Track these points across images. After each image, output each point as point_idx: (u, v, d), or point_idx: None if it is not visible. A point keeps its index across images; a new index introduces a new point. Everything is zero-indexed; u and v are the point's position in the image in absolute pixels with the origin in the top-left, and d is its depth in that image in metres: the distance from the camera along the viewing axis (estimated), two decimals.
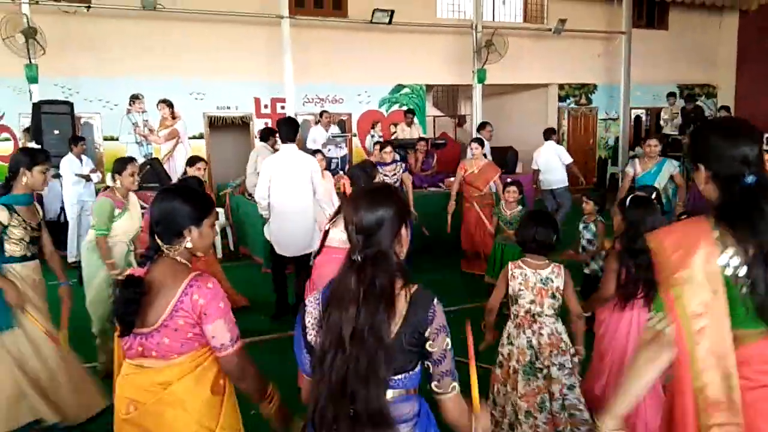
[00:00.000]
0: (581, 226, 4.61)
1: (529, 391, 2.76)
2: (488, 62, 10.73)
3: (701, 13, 12.91)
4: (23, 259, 3.14)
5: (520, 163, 10.85)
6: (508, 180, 5.60)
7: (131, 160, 4.18)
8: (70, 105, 8.22)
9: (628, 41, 11.93)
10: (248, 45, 9.76)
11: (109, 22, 8.95)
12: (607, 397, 2.54)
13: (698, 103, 12.02)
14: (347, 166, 9.51)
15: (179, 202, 1.84)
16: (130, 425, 1.81)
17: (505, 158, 9.98)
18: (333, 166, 8.65)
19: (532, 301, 2.81)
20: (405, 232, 1.58)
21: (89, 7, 8.69)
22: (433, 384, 1.53)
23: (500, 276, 2.96)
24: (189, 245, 1.85)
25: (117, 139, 9.00)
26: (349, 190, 3.24)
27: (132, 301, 1.74)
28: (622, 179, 6.21)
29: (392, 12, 9.89)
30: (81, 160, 7.31)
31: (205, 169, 5.54)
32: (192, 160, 5.57)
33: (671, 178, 5.67)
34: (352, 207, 1.56)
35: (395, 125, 10.63)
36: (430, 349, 1.51)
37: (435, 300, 1.55)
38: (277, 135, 5.25)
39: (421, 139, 9.02)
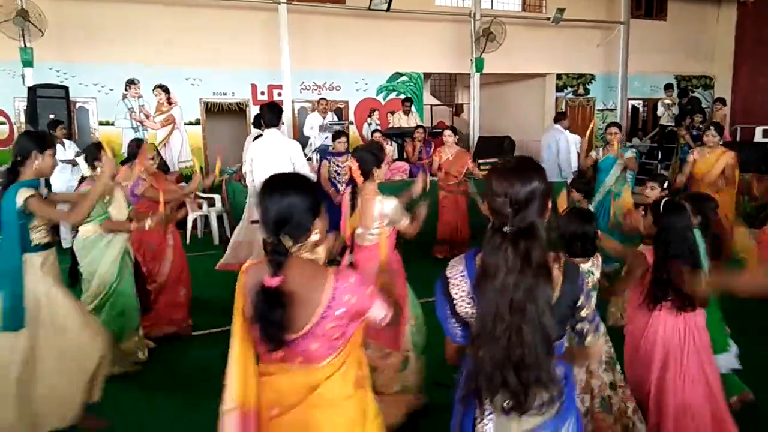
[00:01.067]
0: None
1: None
2: (486, 51, 10.69)
3: (700, 5, 12.88)
4: (48, 246, 3.06)
5: (516, 152, 10.88)
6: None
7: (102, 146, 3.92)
8: (66, 89, 8.18)
9: (626, 31, 11.89)
10: (245, 31, 9.70)
11: (106, 7, 8.86)
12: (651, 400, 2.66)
13: (694, 94, 12.03)
14: (344, 155, 9.50)
15: (299, 196, 1.69)
16: (277, 428, 1.73)
17: (502, 146, 10.00)
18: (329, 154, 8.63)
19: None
20: (549, 206, 1.63)
21: None
22: (587, 339, 1.70)
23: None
24: (316, 238, 1.74)
25: (112, 124, 8.96)
26: (357, 173, 3.12)
27: (278, 314, 1.61)
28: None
29: None
30: (63, 145, 7.22)
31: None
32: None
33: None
34: (505, 179, 1.56)
35: (392, 113, 10.61)
36: (583, 314, 1.67)
37: (579, 268, 1.69)
38: (261, 120, 5.26)
39: (418, 126, 9.01)
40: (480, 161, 8.12)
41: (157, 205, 3.98)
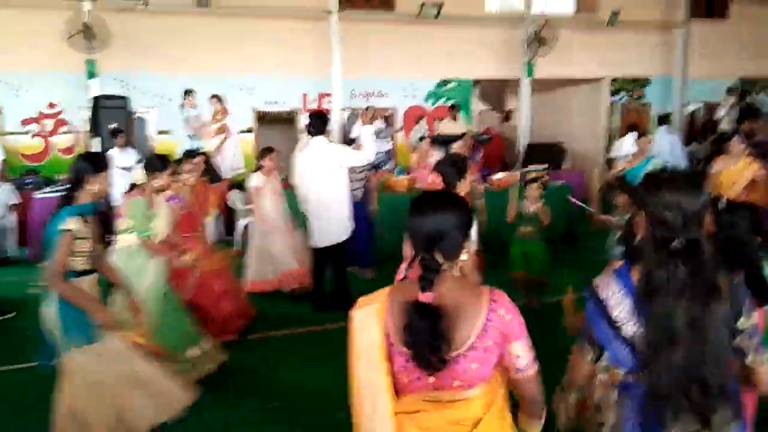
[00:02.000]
0: (616, 218, 4.53)
1: None
2: (538, 55, 10.52)
3: (763, 4, 12.25)
4: (83, 273, 2.94)
5: (568, 159, 10.65)
6: (532, 176, 5.50)
7: (171, 160, 4.07)
8: (125, 99, 8.55)
9: (685, 33, 11.46)
10: (296, 40, 9.90)
11: (165, 19, 9.23)
12: None
13: (748, 99, 11.46)
14: (391, 161, 9.55)
15: (453, 213, 1.64)
16: None
17: (551, 154, 9.81)
18: (377, 161, 8.69)
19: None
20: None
21: (147, 3, 9.00)
22: (749, 358, 1.61)
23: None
24: (465, 258, 1.67)
25: (170, 133, 9.30)
26: (439, 187, 3.01)
27: (438, 329, 1.51)
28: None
29: (440, 5, 9.83)
30: (126, 152, 7.56)
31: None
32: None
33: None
34: (678, 191, 1.56)
35: (440, 120, 10.58)
36: (741, 327, 1.60)
37: (741, 280, 1.64)
38: (307, 129, 5.35)
39: (464, 134, 8.94)
40: (524, 169, 8.00)
41: (197, 220, 4.11)
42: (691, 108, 12.37)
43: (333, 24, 9.63)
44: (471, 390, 1.57)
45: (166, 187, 3.94)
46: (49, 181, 8.31)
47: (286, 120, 10.45)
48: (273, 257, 5.57)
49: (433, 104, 11.07)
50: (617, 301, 1.63)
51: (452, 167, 3.18)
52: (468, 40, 10.83)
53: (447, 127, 10.21)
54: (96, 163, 2.98)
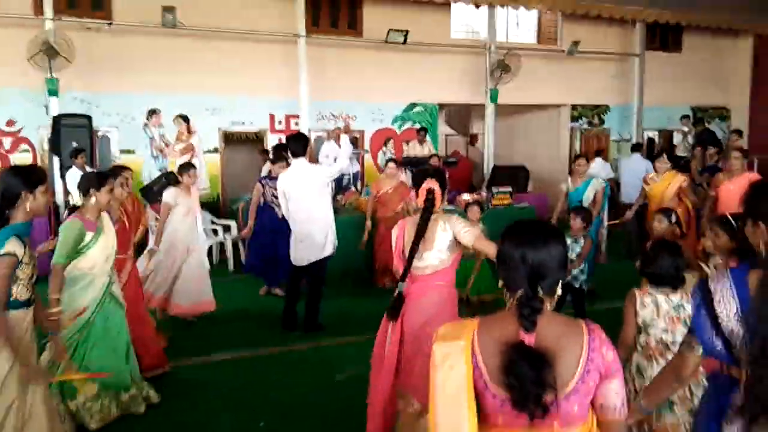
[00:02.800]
0: (569, 240, 4.86)
1: (671, 425, 2.63)
2: (501, 82, 10.81)
3: (715, 36, 12.93)
4: (28, 303, 2.69)
5: (531, 182, 10.89)
6: (471, 200, 5.64)
7: (109, 175, 3.79)
8: (89, 118, 8.40)
9: (641, 63, 11.97)
10: (264, 62, 9.93)
11: (130, 39, 9.15)
12: None
13: (708, 126, 12.00)
14: (358, 183, 9.59)
15: (559, 247, 1.55)
16: None
17: (516, 177, 10.03)
18: (345, 182, 8.73)
19: (665, 330, 2.69)
20: None
21: (111, 23, 8.92)
22: None
23: (627, 306, 2.76)
24: (559, 292, 1.58)
25: (134, 152, 9.15)
26: (440, 197, 2.96)
27: (545, 373, 1.41)
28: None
29: (407, 32, 10.03)
30: (85, 172, 7.42)
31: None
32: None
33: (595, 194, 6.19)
34: None
35: (407, 143, 10.72)
36: None
37: None
38: (289, 151, 5.34)
39: (433, 155, 9.09)
40: (494, 190, 8.15)
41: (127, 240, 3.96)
42: (649, 134, 12.85)
43: (301, 47, 9.70)
44: (569, 430, 1.50)
45: (105, 205, 3.60)
46: None
47: (253, 141, 10.41)
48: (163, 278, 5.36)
49: (400, 128, 11.21)
50: (724, 299, 1.65)
51: (441, 176, 3.13)
52: (434, 66, 11.06)
53: (414, 149, 10.35)
54: (29, 177, 2.64)
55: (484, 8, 10.83)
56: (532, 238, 1.54)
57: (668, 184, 6.05)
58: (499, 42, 11.19)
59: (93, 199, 3.48)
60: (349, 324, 5.46)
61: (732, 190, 5.21)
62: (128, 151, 9.26)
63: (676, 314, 2.69)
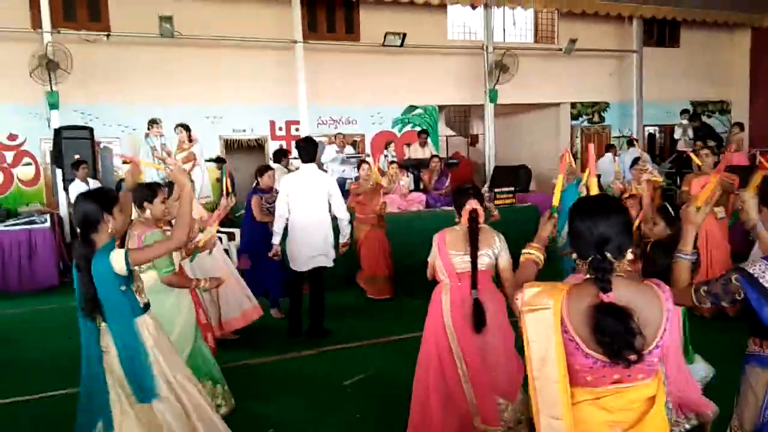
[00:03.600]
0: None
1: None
2: (500, 82, 10.82)
3: (712, 31, 12.94)
4: (148, 305, 2.80)
5: (533, 181, 10.89)
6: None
7: (158, 185, 3.73)
8: (90, 130, 8.42)
9: (639, 59, 11.98)
10: (263, 69, 9.96)
11: (129, 50, 9.19)
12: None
13: (706, 120, 11.99)
14: None
15: (621, 216, 1.75)
16: None
17: (516, 176, 10.02)
18: (347, 186, 8.73)
19: None
20: None
21: (109, 35, 8.95)
22: None
23: None
24: (630, 256, 1.77)
25: None
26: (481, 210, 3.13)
27: (632, 327, 1.59)
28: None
29: (404, 35, 10.05)
30: (88, 184, 7.43)
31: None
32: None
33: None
34: None
35: (408, 145, 10.72)
36: None
37: None
38: (298, 155, 5.30)
39: (433, 156, 9.09)
40: (496, 190, 8.15)
41: None
42: (649, 130, 12.85)
43: (298, 53, 9.73)
44: (650, 378, 1.71)
45: (162, 215, 3.58)
46: (11, 213, 8.07)
47: (254, 148, 10.43)
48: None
49: (400, 130, 11.22)
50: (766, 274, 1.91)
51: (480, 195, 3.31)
52: (432, 68, 11.08)
53: (416, 152, 10.35)
54: (105, 202, 2.68)
55: (481, 9, 10.86)
56: (595, 211, 1.75)
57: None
58: (497, 42, 11.21)
59: (148, 212, 3.55)
60: (354, 329, 5.45)
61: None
62: (130, 162, 9.26)
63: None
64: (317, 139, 10.24)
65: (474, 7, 10.77)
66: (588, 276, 1.72)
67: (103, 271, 2.56)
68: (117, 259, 2.54)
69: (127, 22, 9.11)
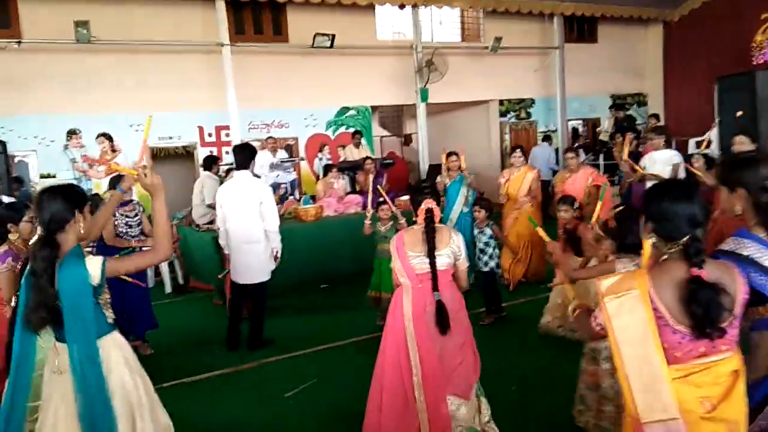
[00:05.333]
0: (476, 231, 5.47)
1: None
2: (430, 81, 10.96)
3: (628, 26, 13.58)
4: (115, 324, 2.53)
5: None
6: (380, 199, 5.69)
7: (25, 206, 3.50)
8: (3, 144, 7.93)
9: (561, 56, 12.43)
10: (189, 74, 9.67)
11: (43, 57, 8.69)
12: None
13: (630, 112, 12.60)
14: (296, 191, 9.50)
15: (699, 196, 1.89)
16: (712, 423, 1.80)
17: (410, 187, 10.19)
18: (282, 191, 8.61)
19: None
20: None
21: (20, 42, 8.44)
22: None
23: (601, 270, 3.07)
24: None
25: (54, 176, 8.70)
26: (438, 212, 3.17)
27: (720, 302, 1.74)
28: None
29: (333, 36, 10.00)
30: (1, 202, 7.00)
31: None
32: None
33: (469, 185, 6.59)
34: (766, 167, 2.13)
35: (343, 147, 10.69)
36: None
37: None
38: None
39: (367, 158, 9.10)
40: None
41: None
42: (573, 124, 13.37)
43: (226, 56, 9.51)
44: (732, 351, 1.83)
45: (29, 237, 3.22)
46: None
47: (183, 155, 10.11)
48: None
49: (334, 132, 11.17)
50: (760, 252, 2.07)
51: (436, 196, 3.37)
52: (364, 68, 11.09)
53: (351, 154, 10.34)
54: (77, 197, 2.46)
55: (408, 9, 10.96)
56: (684, 193, 1.88)
57: (522, 179, 6.68)
58: (425, 42, 11.34)
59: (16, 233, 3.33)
60: (296, 338, 5.39)
61: (574, 182, 6.24)
62: (48, 176, 8.80)
63: None
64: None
65: (402, 7, 10.85)
66: (667, 256, 1.85)
67: (78, 280, 2.29)
68: (93, 267, 2.30)
69: (39, 28, 8.61)
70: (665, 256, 1.86)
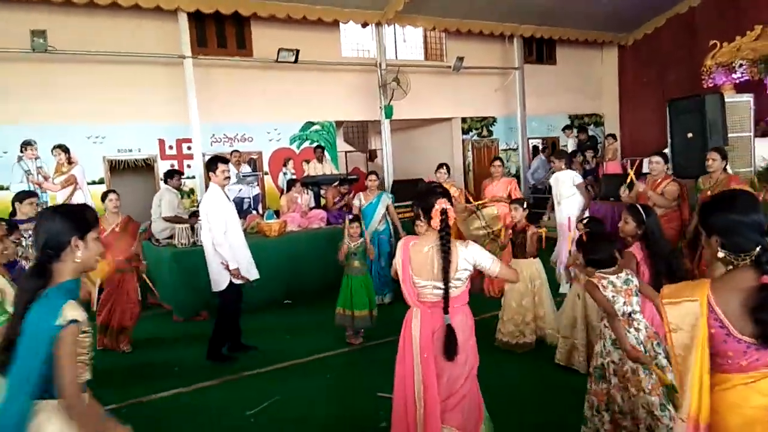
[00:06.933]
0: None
1: (654, 385, 2.92)
2: (394, 99, 11.07)
3: (585, 49, 14.06)
4: (87, 384, 2.04)
5: None
6: (351, 216, 5.78)
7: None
8: None
9: (521, 76, 12.74)
10: (149, 85, 9.51)
11: None
12: None
13: (590, 133, 13.02)
14: (259, 206, 9.41)
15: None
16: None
17: (416, 188, 10.27)
18: (245, 206, 8.52)
19: (624, 303, 3.01)
20: None
21: None
22: None
23: (593, 292, 3.07)
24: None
25: (8, 189, 8.39)
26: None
27: None
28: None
29: (297, 51, 10.01)
30: None
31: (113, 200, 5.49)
32: (102, 196, 5.44)
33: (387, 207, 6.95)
34: None
35: (307, 162, 10.67)
36: None
37: None
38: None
39: (342, 177, 9.16)
40: (396, 204, 8.28)
41: None
42: (533, 142, 13.70)
43: (188, 68, 9.40)
44: None
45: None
46: None
47: (143, 168, 9.90)
48: None
49: (299, 147, 11.14)
50: None
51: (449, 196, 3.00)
52: (328, 84, 11.13)
53: (315, 168, 10.32)
54: (80, 220, 2.07)
55: (372, 27, 11.08)
56: (751, 205, 1.89)
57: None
58: (389, 60, 11.47)
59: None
60: (259, 355, 5.31)
61: (494, 189, 7.10)
62: (1, 188, 8.48)
63: (627, 287, 3.03)
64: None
65: (365, 25, 10.96)
66: (731, 267, 1.86)
67: (42, 321, 1.87)
68: (67, 314, 1.86)
69: None
70: (729, 267, 1.87)
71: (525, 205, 5.23)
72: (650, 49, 13.24)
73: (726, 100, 7.72)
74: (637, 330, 3.00)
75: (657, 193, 5.64)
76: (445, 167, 7.16)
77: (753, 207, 1.88)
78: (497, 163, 7.26)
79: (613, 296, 2.99)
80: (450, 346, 2.69)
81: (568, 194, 6.86)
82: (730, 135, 7.71)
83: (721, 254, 1.88)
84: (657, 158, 5.85)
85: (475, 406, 2.87)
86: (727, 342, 1.79)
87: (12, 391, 1.88)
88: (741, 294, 1.77)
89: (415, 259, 2.79)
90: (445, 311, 2.72)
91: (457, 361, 2.74)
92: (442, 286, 2.71)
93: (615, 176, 9.10)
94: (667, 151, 8.79)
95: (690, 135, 7.58)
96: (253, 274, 5.16)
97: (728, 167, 5.72)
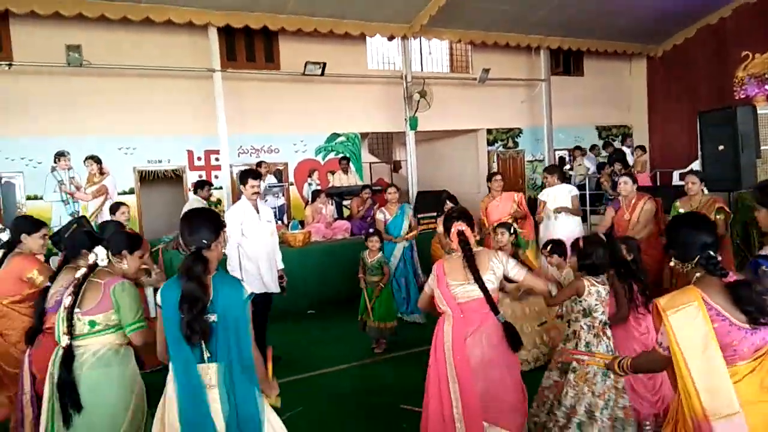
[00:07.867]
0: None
1: (605, 389, 3.18)
2: (419, 110, 11.10)
3: (612, 60, 13.91)
4: None
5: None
6: (371, 230, 5.82)
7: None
8: None
9: (548, 88, 12.65)
10: (179, 98, 9.71)
11: (33, 80, 8.71)
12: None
13: (622, 147, 12.82)
14: (284, 216, 9.50)
15: (712, 224, 2.29)
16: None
17: (438, 201, 10.24)
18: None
19: (603, 312, 3.29)
20: None
21: (11, 64, 8.45)
22: None
23: (575, 283, 3.35)
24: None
25: (41, 198, 8.63)
26: (471, 235, 3.09)
27: (760, 291, 1.99)
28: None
29: (324, 64, 10.13)
30: None
31: (125, 212, 5.58)
32: (113, 208, 5.65)
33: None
34: None
35: (332, 173, 10.74)
36: None
37: None
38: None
39: (365, 186, 9.16)
40: (419, 216, 8.29)
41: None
42: (559, 153, 13.57)
43: (217, 82, 9.58)
44: None
45: (134, 273, 3.17)
46: None
47: (172, 179, 10.09)
48: None
49: (324, 158, 11.23)
50: None
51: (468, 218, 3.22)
52: (354, 96, 11.22)
53: (340, 180, 10.39)
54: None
55: (398, 40, 11.15)
56: (704, 222, 2.27)
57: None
58: (415, 72, 11.51)
59: (125, 262, 3.02)
60: (282, 365, 5.32)
61: (498, 206, 6.77)
62: (35, 197, 8.73)
63: (606, 299, 3.31)
64: (239, 169, 10.12)
65: (391, 39, 11.03)
66: (698, 275, 2.16)
67: (237, 300, 2.54)
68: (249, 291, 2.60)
69: (31, 51, 8.64)
70: (698, 274, 2.17)
71: (512, 230, 5.01)
72: (680, 60, 13.04)
73: (759, 111, 7.57)
74: (609, 338, 3.27)
75: (635, 216, 5.53)
76: (499, 175, 7.02)
77: (702, 224, 2.24)
78: (498, 177, 6.93)
79: (595, 304, 3.27)
80: (514, 339, 2.95)
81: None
82: (762, 147, 7.55)
83: (672, 263, 2.24)
84: (693, 177, 5.50)
85: (518, 403, 3.01)
86: (731, 332, 2.01)
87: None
88: (723, 292, 2.06)
89: (449, 267, 3.09)
90: (495, 311, 2.98)
91: (492, 365, 2.93)
92: (476, 286, 2.97)
93: (644, 189, 8.96)
94: (697, 163, 8.63)
95: (721, 147, 7.42)
96: (271, 287, 5.14)
97: (704, 189, 5.49)
